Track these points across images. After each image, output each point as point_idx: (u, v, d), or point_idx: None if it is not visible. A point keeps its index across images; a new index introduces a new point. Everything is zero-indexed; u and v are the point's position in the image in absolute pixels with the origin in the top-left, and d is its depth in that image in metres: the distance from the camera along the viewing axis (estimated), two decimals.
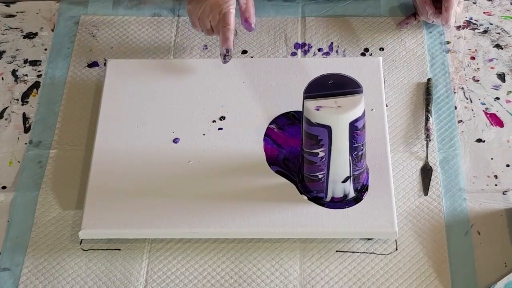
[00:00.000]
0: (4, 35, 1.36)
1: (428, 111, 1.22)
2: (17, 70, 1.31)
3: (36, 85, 1.30)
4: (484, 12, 1.36)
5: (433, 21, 1.30)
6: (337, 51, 1.31)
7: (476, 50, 1.31)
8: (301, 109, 1.05)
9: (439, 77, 1.28)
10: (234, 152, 1.16)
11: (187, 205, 1.10)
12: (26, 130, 1.24)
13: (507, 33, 1.33)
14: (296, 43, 1.33)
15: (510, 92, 1.26)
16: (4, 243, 1.12)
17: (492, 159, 1.18)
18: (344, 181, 1.08)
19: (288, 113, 1.20)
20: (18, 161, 1.21)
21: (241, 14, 1.25)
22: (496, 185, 1.16)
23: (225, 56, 1.22)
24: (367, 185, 1.12)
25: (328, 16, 1.36)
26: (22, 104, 1.27)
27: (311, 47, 1.32)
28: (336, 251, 1.10)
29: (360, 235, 1.09)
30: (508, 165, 1.18)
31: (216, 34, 1.25)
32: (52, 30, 1.37)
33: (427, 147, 1.19)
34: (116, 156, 1.16)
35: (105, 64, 1.30)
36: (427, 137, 1.20)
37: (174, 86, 1.23)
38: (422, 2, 1.29)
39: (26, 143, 1.22)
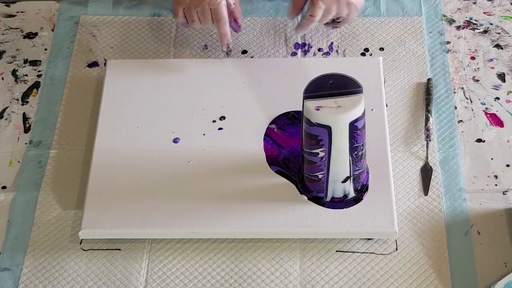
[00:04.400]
0: (4, 35, 1.36)
1: (428, 111, 1.22)
2: (17, 70, 1.31)
3: (36, 85, 1.30)
4: (484, 12, 1.36)
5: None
6: (337, 51, 1.31)
7: (476, 50, 1.31)
8: (301, 109, 1.05)
9: (439, 77, 1.28)
10: (234, 152, 1.16)
11: (187, 205, 1.10)
12: (26, 130, 1.24)
13: (507, 33, 1.33)
14: (296, 43, 1.33)
15: (510, 92, 1.26)
16: (4, 243, 1.12)
17: (492, 159, 1.18)
18: (344, 181, 1.08)
19: (288, 113, 1.20)
20: (18, 161, 1.21)
21: (229, 13, 1.22)
22: (496, 185, 1.16)
23: (228, 52, 1.24)
24: (367, 185, 1.12)
25: None
26: (22, 104, 1.27)
27: (311, 47, 1.32)
28: (336, 251, 1.10)
29: (360, 235, 1.09)
30: (508, 165, 1.18)
31: (198, 25, 1.23)
32: (52, 30, 1.37)
33: (427, 147, 1.19)
34: (116, 156, 1.16)
35: (105, 64, 1.30)
36: (427, 137, 1.20)
37: (174, 86, 1.23)
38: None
39: (26, 143, 1.22)
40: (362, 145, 1.06)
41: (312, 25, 1.22)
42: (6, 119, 1.26)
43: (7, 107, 1.27)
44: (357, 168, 1.08)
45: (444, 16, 1.36)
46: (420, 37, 1.33)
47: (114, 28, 1.36)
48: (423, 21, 1.34)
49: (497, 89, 1.27)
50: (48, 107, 1.26)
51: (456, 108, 1.24)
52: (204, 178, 1.13)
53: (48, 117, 1.25)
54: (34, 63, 1.33)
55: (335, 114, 1.01)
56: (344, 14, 1.22)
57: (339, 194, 1.10)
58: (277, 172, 1.14)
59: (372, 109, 1.18)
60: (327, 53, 1.31)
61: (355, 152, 1.05)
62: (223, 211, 1.10)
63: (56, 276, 1.08)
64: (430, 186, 1.15)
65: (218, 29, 1.21)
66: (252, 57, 1.31)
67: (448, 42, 1.32)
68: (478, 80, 1.28)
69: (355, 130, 1.03)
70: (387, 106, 1.23)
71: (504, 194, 1.15)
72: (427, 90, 1.25)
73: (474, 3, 1.38)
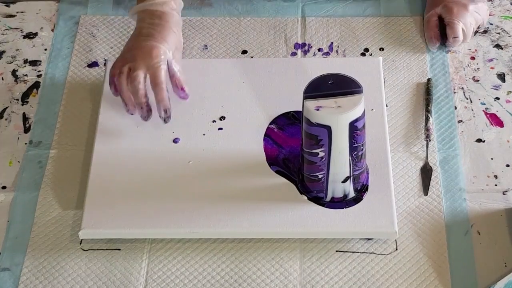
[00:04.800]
0: (4, 35, 1.36)
1: (428, 111, 1.22)
2: (17, 70, 1.31)
3: (36, 85, 1.30)
4: None
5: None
6: (337, 51, 1.31)
7: (476, 50, 1.31)
8: (301, 109, 1.05)
9: (439, 77, 1.28)
10: (234, 152, 1.16)
11: (187, 205, 1.10)
12: (26, 130, 1.24)
13: (507, 33, 1.33)
14: (296, 43, 1.33)
15: (510, 92, 1.26)
16: (4, 243, 1.12)
17: (492, 159, 1.18)
18: (344, 181, 1.08)
19: (288, 113, 1.20)
20: (18, 161, 1.20)
21: (175, 80, 1.18)
22: (496, 185, 1.16)
23: (165, 119, 1.16)
24: (367, 185, 1.12)
25: (328, 16, 1.36)
26: (22, 104, 1.27)
27: (311, 47, 1.32)
28: (336, 251, 1.10)
29: (360, 235, 1.09)
30: (508, 165, 1.18)
31: (124, 88, 1.16)
32: (52, 30, 1.37)
33: (427, 147, 1.19)
34: (116, 156, 1.15)
35: (105, 64, 1.30)
36: (427, 137, 1.20)
37: None
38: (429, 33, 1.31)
39: (26, 143, 1.22)
40: (362, 145, 1.06)
41: (460, 43, 1.29)
42: (6, 119, 1.26)
43: (7, 107, 1.27)
44: (357, 168, 1.08)
45: None
46: (420, 37, 1.33)
47: (114, 28, 1.36)
48: (423, 21, 1.34)
49: (497, 89, 1.27)
50: (48, 107, 1.26)
51: (456, 108, 1.24)
52: (204, 178, 1.13)
53: (48, 117, 1.25)
54: (34, 63, 1.33)
55: (335, 114, 1.01)
56: (485, 22, 1.31)
57: (339, 194, 1.10)
58: (277, 172, 1.14)
59: (372, 109, 1.18)
60: (327, 53, 1.31)
61: (355, 152, 1.05)
62: (223, 211, 1.10)
63: (56, 276, 1.08)
64: (430, 186, 1.15)
65: (156, 94, 1.15)
66: (252, 57, 1.31)
67: None
68: (478, 80, 1.28)
69: (355, 130, 1.03)
70: (387, 106, 1.23)
71: (504, 194, 1.15)
72: (427, 90, 1.25)
73: None
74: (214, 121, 1.19)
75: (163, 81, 1.14)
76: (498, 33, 1.33)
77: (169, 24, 1.17)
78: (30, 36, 1.36)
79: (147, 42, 1.16)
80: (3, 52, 1.34)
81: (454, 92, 1.26)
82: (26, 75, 1.31)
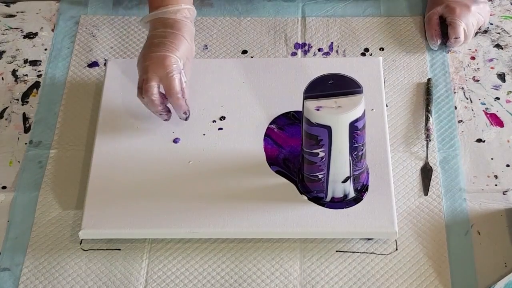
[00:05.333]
0: (4, 35, 1.36)
1: (428, 111, 1.22)
2: (17, 70, 1.31)
3: (36, 85, 1.30)
4: None
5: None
6: (337, 51, 1.31)
7: (476, 50, 1.31)
8: (301, 109, 1.05)
9: (439, 77, 1.28)
10: (234, 152, 1.16)
11: (187, 205, 1.10)
12: (26, 130, 1.24)
13: (507, 33, 1.33)
14: (296, 43, 1.33)
15: (510, 92, 1.26)
16: (4, 243, 1.12)
17: (492, 159, 1.18)
18: (344, 181, 1.08)
19: (288, 113, 1.20)
20: (18, 161, 1.20)
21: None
22: (496, 185, 1.16)
23: (186, 118, 1.17)
24: (367, 185, 1.12)
25: (328, 16, 1.36)
26: (22, 104, 1.27)
27: (311, 47, 1.32)
28: (336, 251, 1.10)
29: (360, 235, 1.09)
30: (508, 165, 1.18)
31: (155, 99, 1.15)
32: (52, 30, 1.37)
33: (427, 147, 1.19)
34: (116, 156, 1.15)
35: (105, 64, 1.30)
36: (427, 137, 1.20)
37: None
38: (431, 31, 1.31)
39: (26, 143, 1.22)
40: (362, 145, 1.06)
41: (461, 44, 1.30)
42: (6, 119, 1.26)
43: (7, 107, 1.27)
44: (357, 168, 1.08)
45: None
46: (420, 37, 1.33)
47: (114, 28, 1.36)
48: (423, 21, 1.34)
49: (497, 89, 1.27)
50: (48, 107, 1.26)
51: (456, 108, 1.24)
52: (204, 178, 1.13)
53: (48, 117, 1.25)
54: (34, 63, 1.33)
55: (335, 114, 1.01)
56: (486, 23, 1.32)
57: (339, 194, 1.10)
58: (277, 172, 1.14)
59: (372, 109, 1.18)
60: (327, 53, 1.31)
61: (355, 152, 1.05)
62: (223, 211, 1.09)
63: (56, 276, 1.08)
64: (430, 186, 1.15)
65: (173, 104, 1.15)
66: (252, 57, 1.31)
67: None
68: (478, 80, 1.28)
69: (355, 130, 1.03)
70: (387, 106, 1.23)
71: (504, 194, 1.15)
72: (427, 90, 1.25)
73: None
74: (214, 121, 1.19)
75: (178, 90, 1.14)
76: (498, 33, 1.33)
77: (182, 33, 1.16)
78: (30, 36, 1.36)
79: (159, 52, 1.14)
80: (3, 52, 1.34)
81: (454, 92, 1.26)
82: (26, 75, 1.31)
